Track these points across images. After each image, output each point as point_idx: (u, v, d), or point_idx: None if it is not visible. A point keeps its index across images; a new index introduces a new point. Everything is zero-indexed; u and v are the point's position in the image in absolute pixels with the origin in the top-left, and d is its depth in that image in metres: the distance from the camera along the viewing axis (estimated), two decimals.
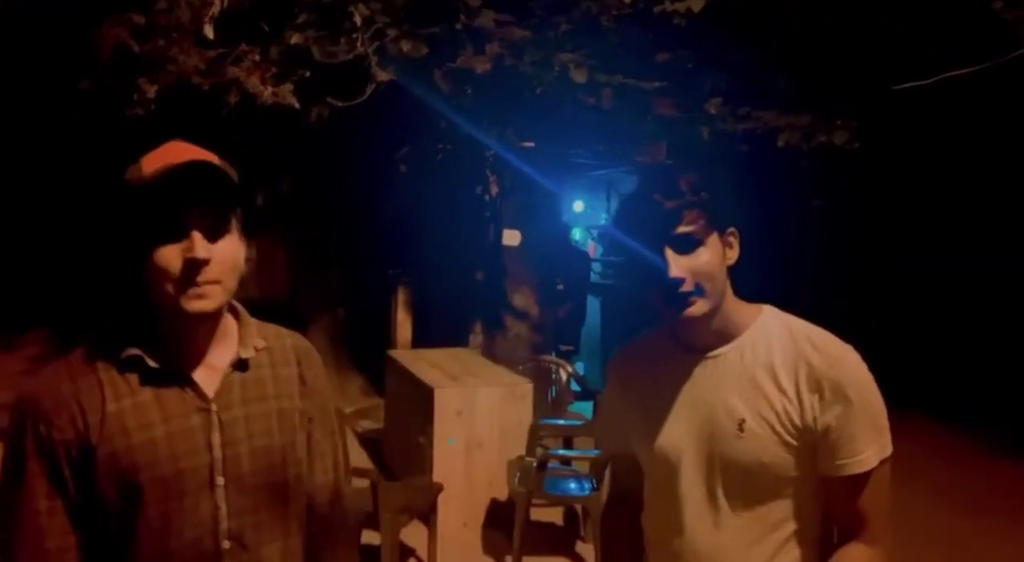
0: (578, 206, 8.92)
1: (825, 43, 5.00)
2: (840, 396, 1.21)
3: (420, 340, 6.55)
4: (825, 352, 1.25)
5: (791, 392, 1.24)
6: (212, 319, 1.19)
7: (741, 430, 1.26)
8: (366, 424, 6.18)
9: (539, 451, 4.43)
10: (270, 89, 4.33)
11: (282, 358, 1.29)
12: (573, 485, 4.06)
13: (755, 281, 1.47)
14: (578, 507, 4.33)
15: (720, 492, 1.30)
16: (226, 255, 1.13)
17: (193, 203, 1.10)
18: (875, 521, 1.25)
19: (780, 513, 1.28)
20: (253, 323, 1.28)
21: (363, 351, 7.31)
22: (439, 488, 3.85)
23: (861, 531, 1.25)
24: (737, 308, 1.32)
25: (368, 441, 5.23)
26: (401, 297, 6.70)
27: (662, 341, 1.40)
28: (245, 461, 1.19)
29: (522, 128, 5.67)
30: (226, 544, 1.17)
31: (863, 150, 4.50)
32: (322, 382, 1.35)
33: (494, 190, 6.22)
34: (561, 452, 4.48)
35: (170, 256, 1.09)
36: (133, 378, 1.14)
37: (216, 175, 1.12)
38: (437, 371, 4.65)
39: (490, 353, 6.19)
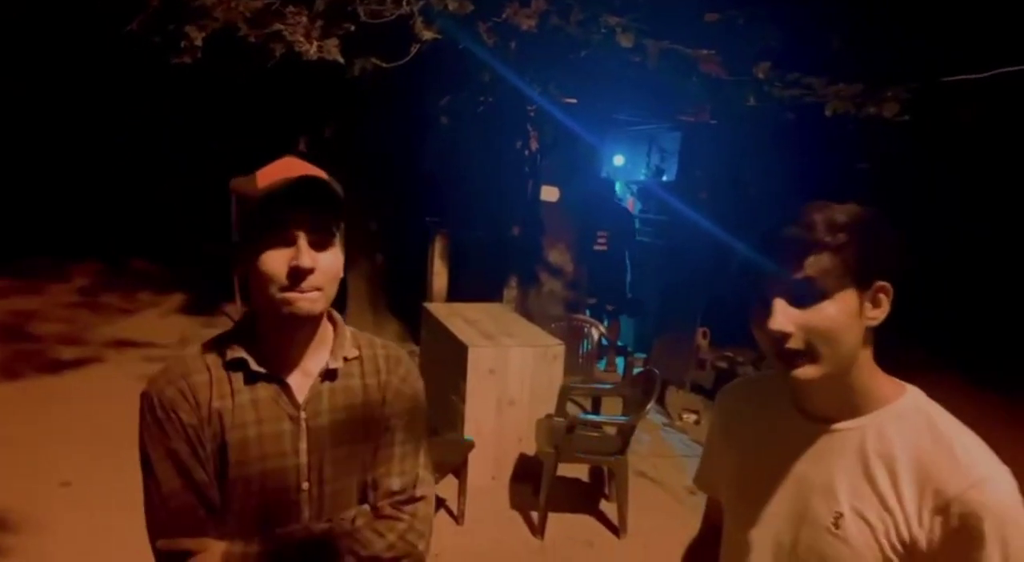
0: (618, 160, 8.81)
1: (883, 5, 4.83)
2: (970, 529, 0.96)
3: (455, 291, 6.66)
4: (966, 467, 0.99)
5: (911, 502, 1.01)
6: (311, 325, 1.26)
7: (836, 525, 1.05)
8: None
9: (569, 411, 4.55)
10: (315, 44, 4.33)
11: (372, 367, 1.34)
12: (599, 447, 4.16)
13: None
14: (604, 467, 4.46)
15: None
16: (329, 265, 1.20)
17: (302, 214, 1.17)
18: None
19: None
20: (348, 332, 1.34)
21: (400, 297, 7.46)
22: (471, 445, 3.99)
23: None
24: (873, 380, 1.08)
25: None
26: (438, 246, 6.79)
27: (780, 391, 1.19)
28: (328, 468, 1.27)
29: (565, 84, 5.60)
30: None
31: (913, 123, 4.38)
32: (411, 387, 1.38)
33: (534, 145, 6.20)
34: (590, 417, 4.58)
35: (278, 263, 1.16)
36: (236, 379, 1.23)
37: (325, 190, 1.19)
38: (472, 328, 4.75)
39: (524, 308, 6.28)
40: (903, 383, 1.11)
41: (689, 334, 6.58)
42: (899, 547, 1.01)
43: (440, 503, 4.13)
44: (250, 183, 1.20)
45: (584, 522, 4.19)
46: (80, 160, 8.89)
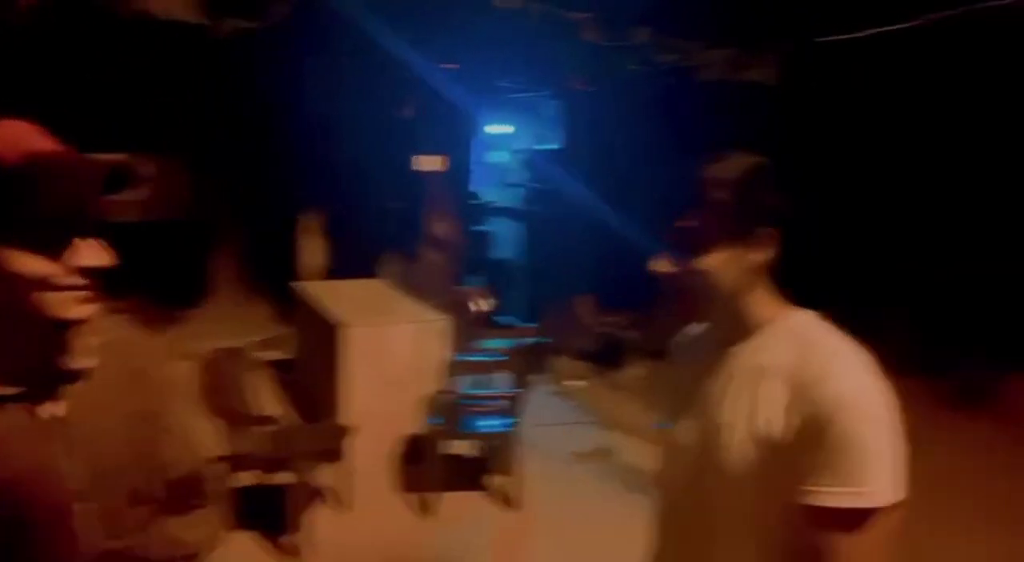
0: (501, 129, 8.70)
1: None
2: (826, 420, 1.03)
3: (332, 268, 6.39)
4: (824, 365, 1.08)
5: (780, 404, 1.09)
6: (55, 329, 1.06)
7: (732, 438, 1.14)
8: (275, 354, 6.02)
9: (455, 387, 4.44)
10: (163, 3, 3.97)
11: (119, 355, 1.20)
12: (490, 421, 4.08)
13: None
14: (494, 441, 4.38)
15: (704, 503, 1.19)
16: (99, 258, 1.03)
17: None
18: None
19: (754, 539, 1.14)
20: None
21: (271, 276, 7.09)
22: (347, 431, 3.80)
23: None
24: (764, 307, 1.18)
25: (279, 376, 5.13)
26: (311, 221, 6.48)
27: (708, 330, 1.32)
28: (106, 477, 1.13)
29: (443, 50, 5.43)
30: None
31: (784, 87, 4.47)
32: (163, 370, 1.27)
33: (412, 113, 5.98)
34: (477, 391, 4.47)
35: (48, 263, 0.97)
36: None
37: (120, 176, 1.04)
38: (348, 307, 4.52)
39: (406, 284, 6.09)
40: (795, 307, 1.21)
41: (576, 302, 6.59)
42: (772, 448, 1.08)
43: (324, 491, 3.94)
44: None
45: (476, 498, 4.11)
46: None
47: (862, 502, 1.00)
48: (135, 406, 1.19)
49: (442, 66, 5.75)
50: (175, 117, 6.63)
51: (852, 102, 5.04)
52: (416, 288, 5.90)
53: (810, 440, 1.04)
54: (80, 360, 1.11)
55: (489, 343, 5.54)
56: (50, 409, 1.08)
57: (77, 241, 0.99)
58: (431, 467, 3.82)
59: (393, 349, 4.19)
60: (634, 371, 6.48)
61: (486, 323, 5.46)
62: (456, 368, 4.61)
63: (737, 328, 1.19)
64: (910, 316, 6.27)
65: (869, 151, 5.83)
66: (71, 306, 1.00)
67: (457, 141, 6.42)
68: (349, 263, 6.16)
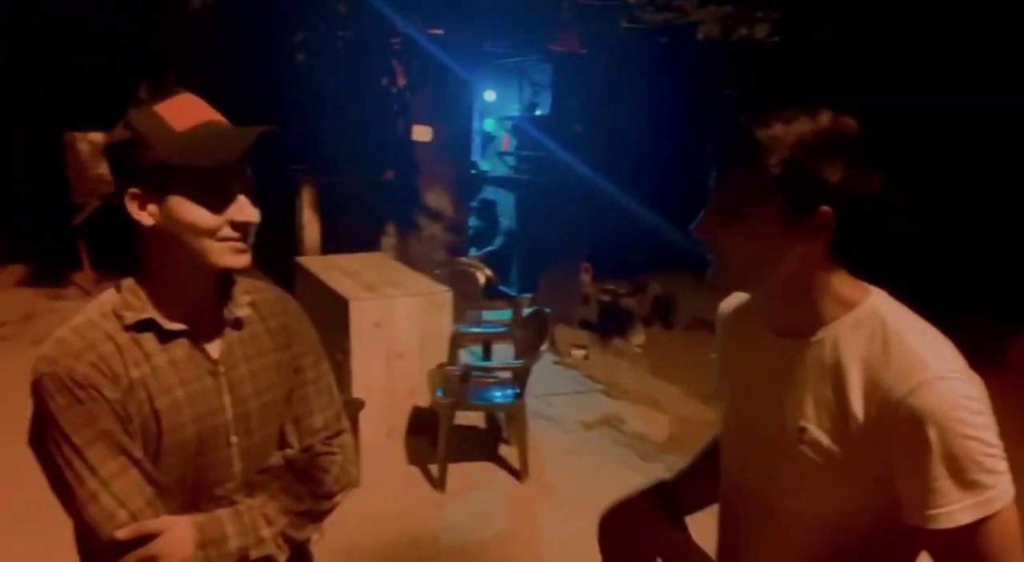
0: (489, 96, 8.53)
1: None
2: (913, 435, 0.93)
3: (329, 242, 6.29)
4: (909, 371, 0.95)
5: (860, 409, 0.98)
6: (216, 278, 1.22)
7: (800, 440, 1.04)
8: None
9: (461, 358, 4.40)
10: None
11: (268, 311, 1.33)
12: (496, 393, 4.04)
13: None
14: (501, 412, 4.35)
15: (774, 500, 1.12)
16: (251, 214, 1.17)
17: (243, 167, 1.15)
18: None
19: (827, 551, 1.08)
20: (238, 278, 1.30)
21: (267, 253, 6.96)
22: (360, 404, 3.76)
23: None
24: (830, 294, 1.04)
25: None
26: (306, 196, 6.37)
27: (756, 307, 1.18)
28: (254, 418, 1.25)
29: (430, 15, 5.30)
30: (238, 497, 1.23)
31: (783, 44, 4.39)
32: (307, 326, 1.39)
33: (401, 81, 5.86)
34: (483, 363, 4.44)
35: (212, 213, 1.12)
36: (145, 342, 1.15)
37: (273, 143, 1.14)
38: (352, 281, 4.47)
39: (404, 256, 6.02)
40: (868, 288, 1.06)
41: (573, 270, 6.55)
42: (855, 454, 1.00)
43: None
44: (157, 124, 1.11)
45: (485, 469, 4.08)
46: None
47: (993, 506, 0.93)
48: (282, 358, 1.31)
49: (429, 32, 5.63)
50: (155, 86, 6.46)
51: (853, 58, 4.96)
52: (414, 260, 5.84)
53: (914, 460, 0.94)
54: (236, 310, 1.26)
55: (489, 314, 5.51)
56: (211, 349, 1.22)
57: (234, 198, 1.14)
58: (440, 439, 3.79)
59: (398, 322, 4.15)
60: (635, 338, 6.47)
61: (485, 294, 5.41)
62: (460, 340, 4.58)
63: (801, 316, 1.06)
64: (914, 272, 6.26)
65: (878, 107, 5.75)
66: (229, 256, 1.14)
67: (454, 109, 6.29)
68: (347, 236, 6.07)
